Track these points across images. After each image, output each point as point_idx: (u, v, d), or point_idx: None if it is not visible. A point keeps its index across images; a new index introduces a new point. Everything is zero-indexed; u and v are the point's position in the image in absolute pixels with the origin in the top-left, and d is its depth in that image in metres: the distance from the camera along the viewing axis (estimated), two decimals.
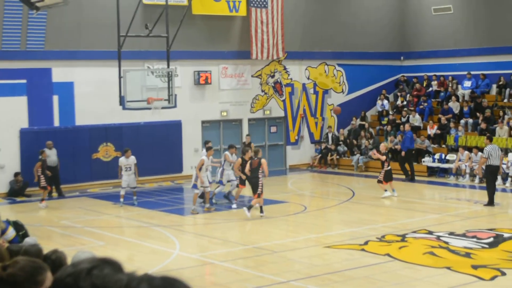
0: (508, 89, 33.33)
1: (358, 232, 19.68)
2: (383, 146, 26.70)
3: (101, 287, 2.64)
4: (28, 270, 3.70)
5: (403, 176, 30.09)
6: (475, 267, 15.63)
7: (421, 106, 34.95)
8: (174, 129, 31.31)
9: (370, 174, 32.04)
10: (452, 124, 32.41)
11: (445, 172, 30.58)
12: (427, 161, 30.94)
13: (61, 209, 24.97)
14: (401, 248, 17.72)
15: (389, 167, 25.92)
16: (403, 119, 34.23)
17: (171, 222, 22.03)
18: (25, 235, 13.19)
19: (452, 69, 35.75)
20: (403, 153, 30.49)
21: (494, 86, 34.19)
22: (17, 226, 13.25)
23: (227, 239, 19.62)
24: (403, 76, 37.99)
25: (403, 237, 18.81)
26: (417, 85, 36.27)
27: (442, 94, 35.45)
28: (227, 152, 25.41)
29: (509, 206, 24.86)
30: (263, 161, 22.72)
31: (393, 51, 37.96)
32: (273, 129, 35.07)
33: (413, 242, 18.38)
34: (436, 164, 30.73)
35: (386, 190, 25.64)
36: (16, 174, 27.70)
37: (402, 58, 38.27)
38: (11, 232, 12.98)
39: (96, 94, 29.42)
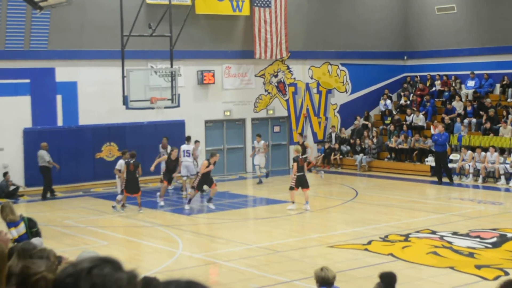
0: (511, 89, 33.28)
1: (361, 232, 19.67)
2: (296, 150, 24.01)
3: (101, 286, 2.63)
4: None
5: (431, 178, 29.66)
6: (478, 267, 15.63)
7: (426, 104, 34.90)
8: (177, 128, 31.29)
9: (374, 174, 32.05)
10: (458, 119, 32.23)
11: None
12: (430, 161, 30.86)
13: (65, 208, 24.99)
14: (404, 248, 17.71)
15: (302, 173, 23.36)
16: (408, 119, 34.21)
17: (174, 222, 22.04)
18: (37, 232, 13.29)
19: (456, 69, 35.70)
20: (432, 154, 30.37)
21: (498, 85, 34.13)
22: (31, 222, 13.35)
23: (230, 238, 19.61)
24: (408, 76, 37.94)
25: (406, 237, 18.80)
26: (421, 85, 36.26)
27: (445, 93, 35.41)
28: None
29: None
30: None
31: (397, 50, 37.92)
32: (276, 128, 35.05)
33: (417, 242, 18.37)
34: None
35: (293, 202, 23.47)
36: (5, 174, 27.51)
37: (405, 57, 38.23)
38: (21, 228, 13.08)
39: (100, 93, 29.44)
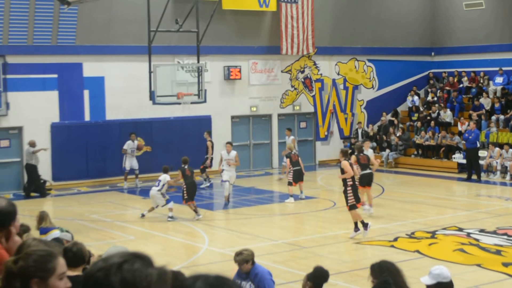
0: None
1: (388, 229, 19.61)
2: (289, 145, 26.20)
3: (131, 281, 2.64)
4: (39, 260, 3.65)
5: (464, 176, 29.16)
6: (505, 264, 15.52)
7: (454, 101, 34.63)
8: (204, 124, 31.32)
9: (400, 170, 31.90)
10: (483, 117, 32.01)
11: None
12: (457, 157, 30.68)
13: (91, 203, 25.12)
14: (431, 244, 17.63)
15: (298, 167, 24.62)
16: (434, 115, 33.99)
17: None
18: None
19: (484, 65, 35.43)
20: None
21: None
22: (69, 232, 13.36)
23: (256, 234, 19.62)
24: (431, 72, 37.66)
25: (433, 234, 18.72)
26: (449, 80, 36.01)
27: (473, 90, 35.16)
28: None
29: None
30: None
31: (424, 46, 37.70)
32: (303, 124, 35.00)
33: (443, 239, 18.28)
34: None
35: (291, 196, 24.45)
36: None
37: (433, 53, 37.99)
38: (52, 235, 13.11)
39: (127, 89, 29.55)
